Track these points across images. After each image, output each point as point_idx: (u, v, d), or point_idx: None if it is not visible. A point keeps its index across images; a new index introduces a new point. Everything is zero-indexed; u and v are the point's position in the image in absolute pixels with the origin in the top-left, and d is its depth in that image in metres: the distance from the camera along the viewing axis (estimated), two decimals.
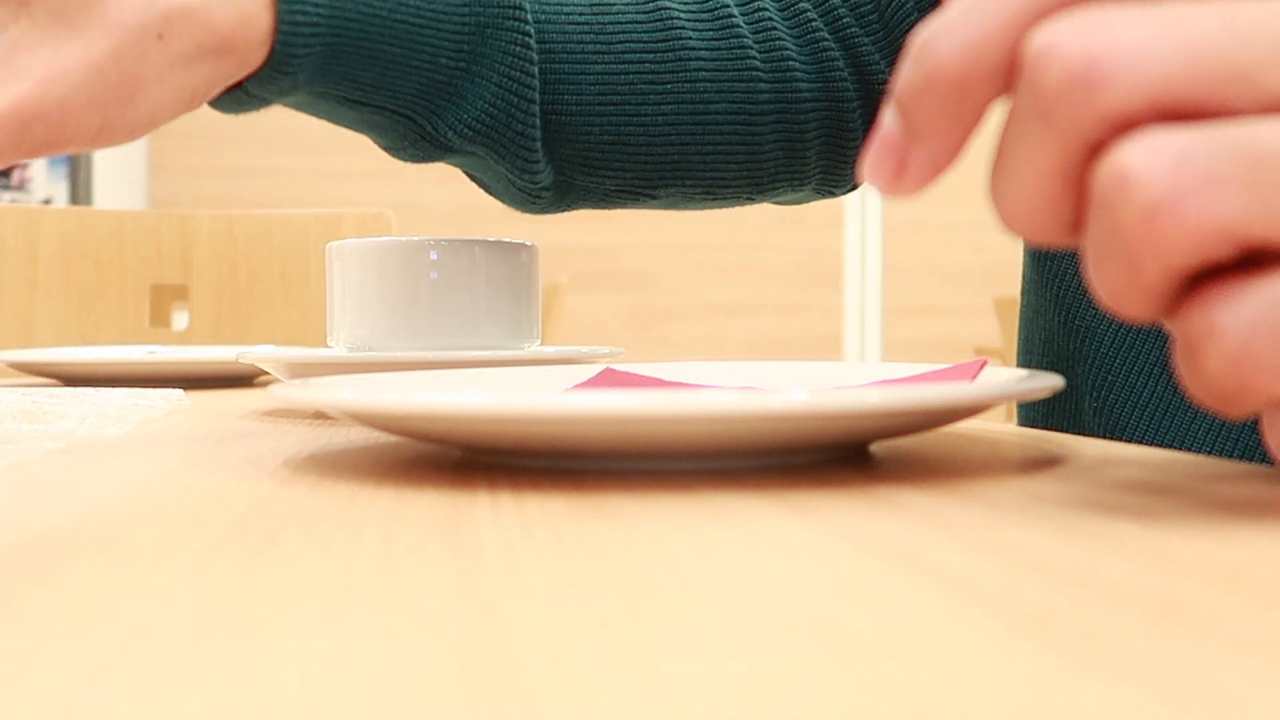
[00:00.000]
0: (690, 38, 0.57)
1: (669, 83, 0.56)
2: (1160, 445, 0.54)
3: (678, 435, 0.31)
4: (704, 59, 0.57)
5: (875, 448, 0.38)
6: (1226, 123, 0.22)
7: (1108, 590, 0.19)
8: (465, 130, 0.53)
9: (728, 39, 0.58)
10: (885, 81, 0.61)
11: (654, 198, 0.60)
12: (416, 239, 0.60)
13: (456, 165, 0.58)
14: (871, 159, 0.26)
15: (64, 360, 0.81)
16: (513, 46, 0.52)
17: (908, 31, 0.61)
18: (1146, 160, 0.22)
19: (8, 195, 2.93)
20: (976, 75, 0.24)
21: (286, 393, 0.35)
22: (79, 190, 3.03)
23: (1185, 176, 0.22)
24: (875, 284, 3.93)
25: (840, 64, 0.60)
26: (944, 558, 0.21)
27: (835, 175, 0.63)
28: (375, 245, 0.60)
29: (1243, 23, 0.23)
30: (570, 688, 0.14)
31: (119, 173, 3.10)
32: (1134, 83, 0.22)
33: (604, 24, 0.55)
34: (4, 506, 0.29)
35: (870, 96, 0.62)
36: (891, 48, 0.61)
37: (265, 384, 0.85)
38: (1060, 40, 0.23)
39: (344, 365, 0.54)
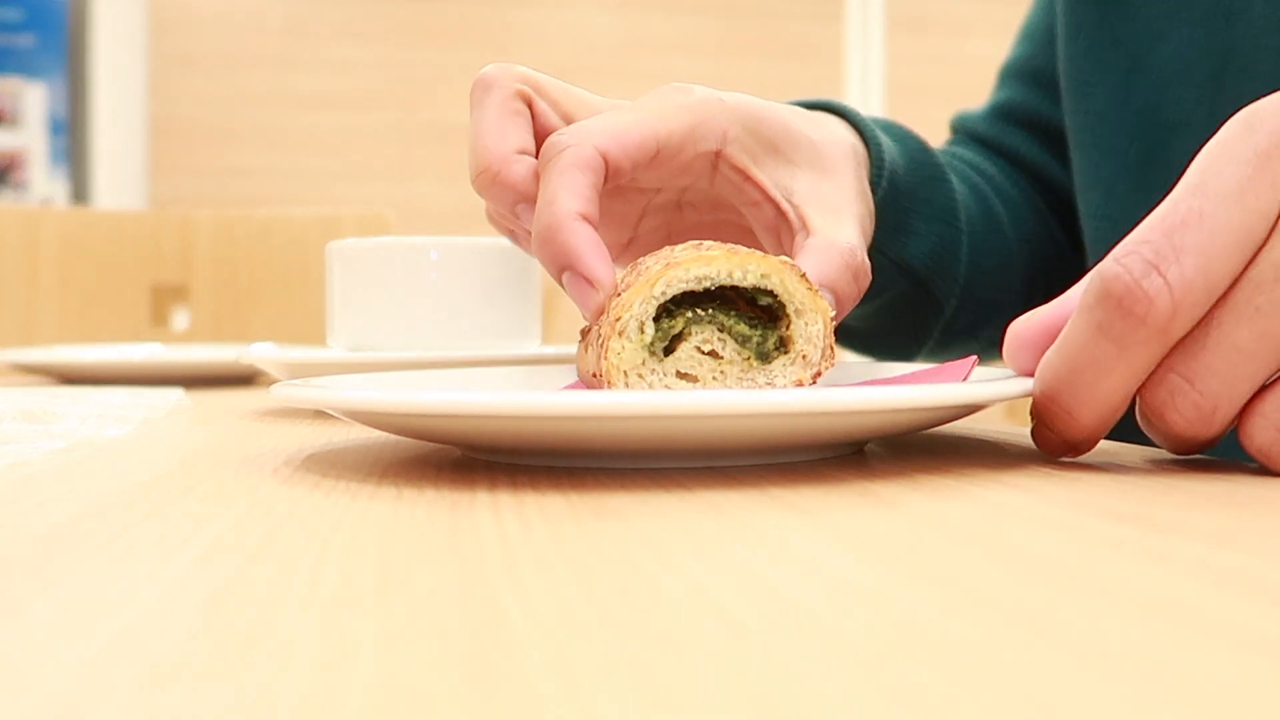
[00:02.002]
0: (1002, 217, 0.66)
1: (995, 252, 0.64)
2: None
3: (676, 434, 0.31)
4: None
5: (872, 446, 0.38)
6: None
7: (1106, 589, 0.19)
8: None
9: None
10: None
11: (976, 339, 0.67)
12: (416, 239, 0.60)
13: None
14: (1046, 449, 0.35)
15: (64, 360, 0.81)
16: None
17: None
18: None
19: (8, 195, 2.93)
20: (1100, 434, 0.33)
21: (286, 392, 0.35)
22: (79, 190, 3.03)
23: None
24: None
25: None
26: (941, 557, 0.21)
27: None
28: (375, 245, 0.60)
29: None
30: (570, 686, 0.14)
31: (119, 172, 3.10)
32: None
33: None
34: (4, 506, 0.29)
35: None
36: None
37: (265, 384, 0.85)
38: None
39: (344, 365, 0.54)
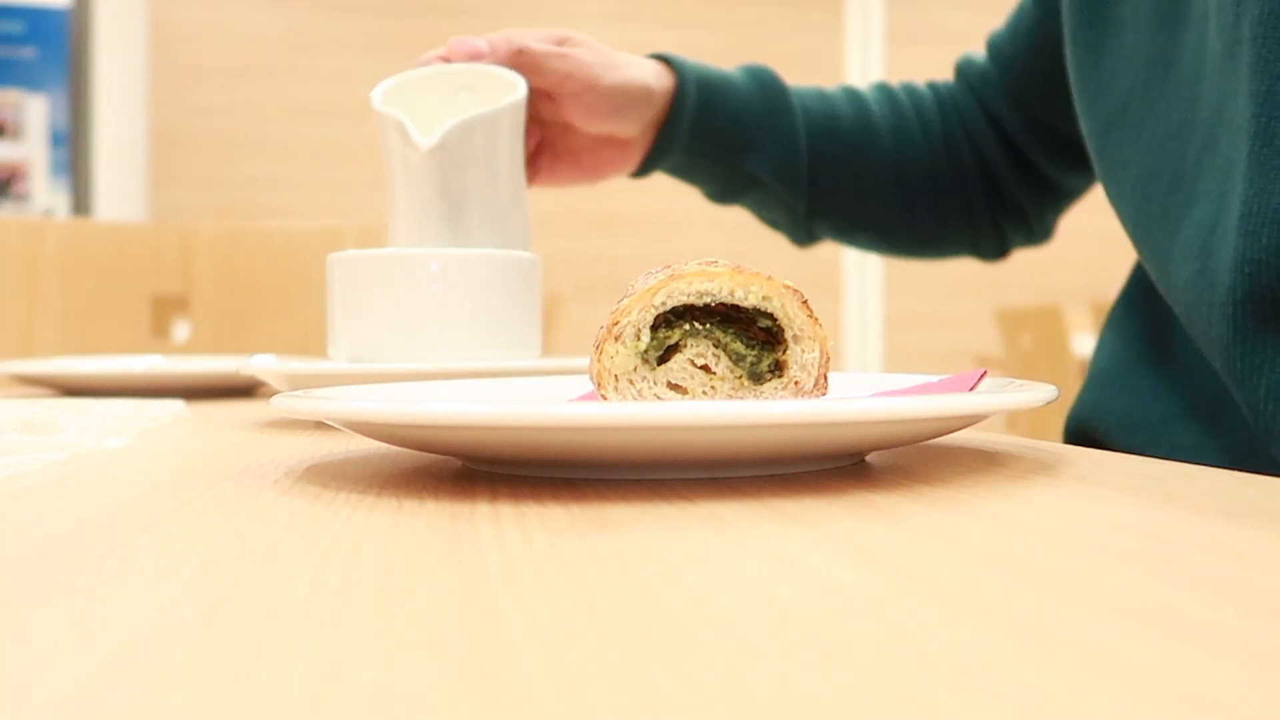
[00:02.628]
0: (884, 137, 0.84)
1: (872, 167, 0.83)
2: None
3: (677, 445, 0.31)
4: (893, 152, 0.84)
5: (874, 458, 0.39)
6: None
7: (1108, 600, 0.19)
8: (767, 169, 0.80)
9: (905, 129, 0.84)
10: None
11: (863, 232, 0.85)
12: (417, 250, 0.60)
13: (748, 204, 0.84)
14: None
15: (65, 371, 0.81)
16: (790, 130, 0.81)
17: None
18: None
19: (9, 207, 2.94)
20: None
21: (287, 403, 0.35)
22: (80, 202, 3.04)
23: None
24: (876, 293, 3.93)
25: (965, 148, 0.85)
26: (942, 568, 0.21)
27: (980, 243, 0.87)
28: (376, 256, 0.60)
29: None
30: (571, 698, 0.14)
31: (119, 184, 3.10)
32: None
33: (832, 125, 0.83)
34: (3, 517, 0.29)
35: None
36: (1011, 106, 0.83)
37: (266, 395, 0.85)
38: None
39: (345, 376, 0.54)
